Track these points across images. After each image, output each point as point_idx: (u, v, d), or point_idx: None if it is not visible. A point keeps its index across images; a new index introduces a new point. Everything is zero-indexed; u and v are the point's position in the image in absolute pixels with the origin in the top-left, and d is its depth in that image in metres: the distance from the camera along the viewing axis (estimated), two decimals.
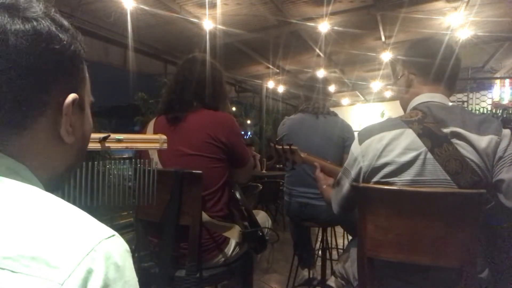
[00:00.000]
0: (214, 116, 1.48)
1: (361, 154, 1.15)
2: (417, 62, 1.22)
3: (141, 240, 1.53)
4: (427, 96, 1.18)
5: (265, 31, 4.11)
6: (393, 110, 8.04)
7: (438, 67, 1.18)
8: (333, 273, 1.49)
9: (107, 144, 1.11)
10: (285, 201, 2.48)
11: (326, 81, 2.54)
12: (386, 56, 4.82)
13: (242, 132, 7.99)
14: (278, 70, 5.89)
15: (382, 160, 1.09)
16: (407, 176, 1.06)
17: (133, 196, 1.19)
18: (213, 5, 3.32)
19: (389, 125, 1.13)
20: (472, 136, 1.02)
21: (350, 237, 2.52)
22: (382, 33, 4.25)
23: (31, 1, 0.48)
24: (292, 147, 1.50)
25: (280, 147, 1.53)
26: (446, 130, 1.05)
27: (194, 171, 1.34)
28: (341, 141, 2.28)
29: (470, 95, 7.22)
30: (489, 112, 5.79)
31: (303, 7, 3.54)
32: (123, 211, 3.10)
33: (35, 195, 0.44)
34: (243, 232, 1.47)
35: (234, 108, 7.02)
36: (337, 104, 9.54)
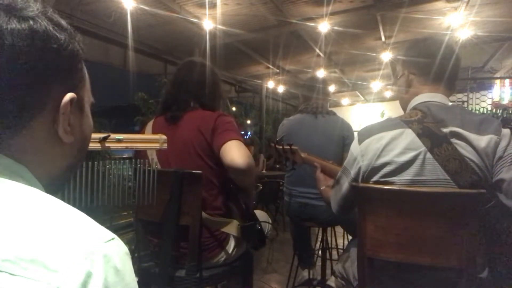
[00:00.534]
0: (207, 115, 1.48)
1: (360, 154, 1.15)
2: (417, 62, 1.23)
3: (141, 240, 1.53)
4: (427, 96, 1.18)
5: (265, 31, 4.11)
6: (393, 110, 8.04)
7: (438, 67, 1.18)
8: (333, 273, 1.49)
9: (107, 144, 1.11)
10: (285, 201, 2.48)
11: (325, 81, 2.55)
12: (386, 56, 4.82)
13: (242, 132, 8.00)
14: (278, 70, 5.89)
15: (382, 160, 1.09)
16: (407, 176, 1.06)
17: (133, 196, 1.19)
18: (213, 5, 3.32)
19: (388, 125, 1.13)
20: (472, 136, 1.02)
21: (350, 237, 2.52)
22: (382, 33, 4.25)
23: (28, 0, 0.48)
24: (292, 147, 1.50)
25: (281, 147, 1.53)
26: (445, 130, 1.05)
27: (194, 171, 1.35)
28: (341, 140, 2.29)
29: (470, 95, 7.21)
30: (489, 112, 5.79)
31: (303, 7, 3.54)
32: (123, 211, 3.09)
33: (34, 196, 0.43)
34: (242, 226, 1.47)
35: (234, 108, 7.02)
36: (337, 104, 9.54)
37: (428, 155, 1.04)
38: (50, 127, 0.49)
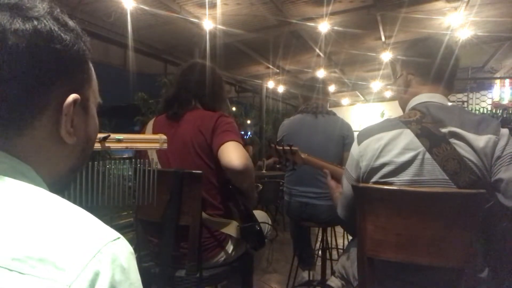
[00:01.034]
0: (208, 115, 1.48)
1: (359, 155, 1.15)
2: (416, 62, 1.23)
3: (141, 240, 1.53)
4: (426, 96, 1.18)
5: (265, 31, 4.11)
6: (393, 110, 8.04)
7: (437, 67, 1.18)
8: (333, 273, 1.49)
9: (107, 144, 1.11)
10: (285, 200, 2.48)
11: (325, 81, 2.55)
12: (386, 56, 4.82)
13: (242, 132, 7.99)
14: (278, 70, 5.89)
15: (381, 160, 1.09)
16: (406, 176, 1.06)
17: (133, 196, 1.19)
18: (213, 5, 3.32)
19: (387, 125, 1.14)
20: (470, 136, 1.02)
21: (350, 237, 2.52)
22: (382, 33, 4.25)
23: (35, 0, 0.48)
24: (292, 148, 1.50)
25: (281, 147, 1.53)
26: (444, 130, 1.05)
27: (194, 171, 1.35)
28: (341, 139, 2.29)
29: (470, 95, 7.22)
30: (489, 112, 5.79)
31: (303, 7, 3.54)
32: (123, 211, 3.10)
33: (41, 196, 0.44)
34: (241, 227, 1.47)
35: (234, 108, 7.02)
36: (337, 104, 9.54)
37: (427, 155, 1.04)
38: (53, 127, 0.49)
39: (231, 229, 1.47)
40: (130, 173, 1.19)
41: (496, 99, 6.73)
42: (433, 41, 1.25)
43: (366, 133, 1.16)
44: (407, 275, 1.10)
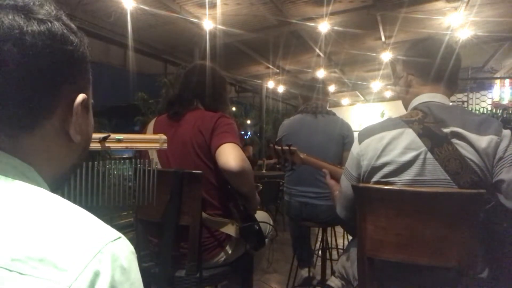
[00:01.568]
0: (208, 115, 1.49)
1: (360, 154, 1.15)
2: (417, 62, 1.22)
3: (141, 240, 1.53)
4: (428, 96, 1.18)
5: (265, 31, 4.11)
6: (393, 110, 8.04)
7: (437, 67, 1.18)
8: (333, 273, 1.49)
9: (107, 144, 1.11)
10: (285, 200, 2.48)
11: (324, 81, 2.56)
12: (386, 56, 4.82)
13: (242, 132, 7.99)
14: (278, 70, 5.89)
15: (382, 160, 1.09)
16: (407, 176, 1.06)
17: (133, 196, 1.19)
18: (213, 5, 3.32)
19: (389, 125, 1.13)
20: (472, 136, 1.02)
21: (350, 237, 2.52)
22: (382, 33, 4.25)
23: (42, 3, 0.48)
24: (291, 147, 1.50)
25: (280, 147, 1.53)
26: (446, 130, 1.05)
27: (194, 171, 1.35)
28: (340, 139, 2.29)
29: (470, 95, 7.22)
30: (489, 112, 5.79)
31: (303, 7, 3.54)
32: (123, 211, 3.10)
33: (41, 196, 0.44)
34: (240, 226, 1.47)
35: (234, 108, 7.02)
36: (337, 104, 9.54)
37: (429, 155, 1.04)
38: (60, 127, 0.50)
39: (231, 228, 1.47)
40: (130, 173, 1.19)
41: (496, 99, 6.73)
42: (433, 41, 1.25)
43: (367, 132, 1.16)
44: (407, 275, 1.10)
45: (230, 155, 1.35)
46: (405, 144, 1.07)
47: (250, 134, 8.45)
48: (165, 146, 1.27)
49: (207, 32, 3.72)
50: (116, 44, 4.03)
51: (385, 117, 3.40)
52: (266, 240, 1.68)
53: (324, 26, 3.74)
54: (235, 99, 7.21)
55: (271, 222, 1.76)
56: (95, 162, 1.06)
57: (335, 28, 3.84)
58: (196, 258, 1.35)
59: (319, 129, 2.31)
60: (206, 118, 1.47)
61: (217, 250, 1.47)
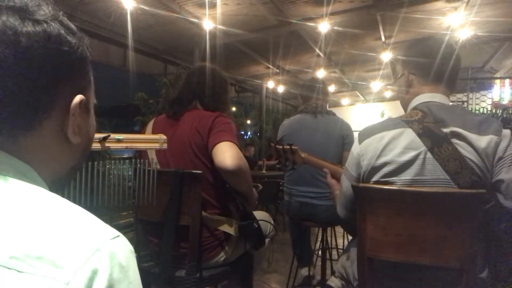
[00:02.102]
0: (206, 115, 1.49)
1: (360, 153, 1.15)
2: (417, 62, 1.22)
3: (141, 240, 1.53)
4: (428, 96, 1.17)
5: (265, 31, 4.12)
6: (393, 110, 8.04)
7: (438, 67, 1.17)
8: (333, 273, 1.49)
9: (107, 144, 1.11)
10: (285, 200, 2.48)
11: (324, 81, 2.56)
12: (386, 56, 4.82)
13: (242, 132, 7.99)
14: (278, 70, 5.90)
15: (382, 160, 1.09)
16: (407, 175, 1.06)
17: (133, 196, 1.19)
18: (213, 5, 3.32)
19: (389, 124, 1.13)
20: (472, 136, 1.02)
21: (350, 237, 2.52)
22: (382, 33, 4.25)
23: (39, 4, 0.48)
24: (292, 147, 1.50)
25: (281, 147, 1.53)
26: (446, 130, 1.05)
27: (194, 171, 1.35)
28: (340, 139, 2.30)
29: (470, 95, 7.22)
30: (489, 112, 5.79)
31: (303, 7, 3.54)
32: (123, 211, 3.10)
33: (40, 195, 0.44)
34: (239, 225, 1.47)
35: (234, 108, 7.02)
36: (337, 104, 9.54)
37: (429, 155, 1.04)
38: (59, 128, 0.50)
39: (230, 227, 1.47)
40: (130, 173, 1.19)
41: (496, 99, 6.73)
42: (433, 41, 1.25)
43: (368, 132, 1.16)
44: (407, 275, 1.10)
45: (226, 154, 1.34)
46: (405, 144, 1.07)
47: (250, 134, 8.45)
48: (165, 146, 1.27)
49: (207, 32, 3.72)
50: (116, 44, 4.03)
51: (385, 117, 3.40)
52: (267, 240, 1.68)
53: (324, 26, 3.74)
54: (235, 99, 7.21)
55: (272, 222, 1.77)
56: (95, 162, 1.06)
57: (335, 28, 3.84)
58: (196, 258, 1.35)
59: (319, 129, 2.31)
60: (203, 118, 1.47)
61: (217, 250, 1.47)
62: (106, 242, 0.40)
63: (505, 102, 6.48)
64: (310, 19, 3.77)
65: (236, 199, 1.51)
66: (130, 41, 3.50)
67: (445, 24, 3.94)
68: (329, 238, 2.49)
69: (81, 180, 1.03)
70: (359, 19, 3.83)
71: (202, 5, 3.37)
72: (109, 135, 1.11)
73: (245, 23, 3.86)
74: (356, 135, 1.26)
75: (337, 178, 1.44)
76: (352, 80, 6.89)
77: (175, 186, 1.34)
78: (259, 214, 1.65)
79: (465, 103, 7.03)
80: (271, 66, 5.59)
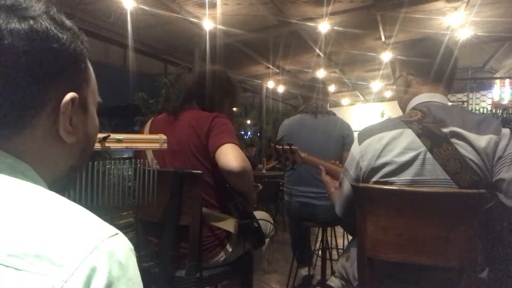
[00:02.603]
0: (203, 116, 1.49)
1: (360, 154, 1.15)
2: (416, 62, 1.22)
3: (141, 240, 1.53)
4: (427, 96, 1.18)
5: (265, 31, 4.12)
6: (393, 110, 8.04)
7: (437, 67, 1.18)
8: (333, 273, 1.49)
9: (107, 144, 1.11)
10: (285, 200, 2.48)
11: (324, 81, 2.56)
12: (386, 56, 4.83)
13: (242, 132, 7.99)
14: (278, 70, 5.90)
15: (382, 160, 1.09)
16: (407, 176, 1.06)
17: (133, 196, 1.19)
18: (213, 5, 3.32)
19: (388, 125, 1.13)
20: (472, 136, 1.02)
21: (350, 237, 2.52)
22: (382, 33, 4.25)
23: (31, 0, 0.48)
24: (292, 147, 1.50)
25: (280, 147, 1.53)
26: (445, 130, 1.05)
27: (194, 171, 1.35)
28: (341, 139, 2.30)
29: (470, 95, 7.22)
30: (489, 112, 5.79)
31: (303, 7, 3.54)
32: (123, 211, 3.10)
33: (38, 193, 0.44)
34: (239, 223, 1.47)
35: (234, 108, 7.01)
36: (337, 104, 9.54)
37: (428, 155, 1.04)
38: (52, 127, 0.49)
39: (230, 225, 1.46)
40: (130, 173, 1.19)
41: (496, 99, 6.73)
42: (432, 42, 1.25)
43: (367, 133, 1.16)
44: (407, 275, 1.10)
45: (230, 156, 1.35)
46: (404, 144, 1.07)
47: (250, 134, 8.45)
48: (165, 146, 1.27)
49: (207, 32, 3.72)
50: (116, 44, 4.03)
51: (385, 117, 3.40)
52: (267, 240, 1.68)
53: (324, 26, 3.74)
54: None
55: (272, 222, 1.76)
56: (95, 162, 1.06)
57: (335, 28, 3.84)
58: (196, 258, 1.35)
59: (319, 129, 2.31)
60: (200, 119, 1.46)
61: (217, 249, 1.47)
62: (105, 240, 0.40)
63: (505, 102, 6.49)
64: (310, 19, 3.77)
65: (235, 199, 1.51)
66: (130, 41, 3.50)
67: (445, 24, 3.94)
68: (329, 238, 2.49)
69: (81, 180, 1.03)
70: (359, 19, 3.83)
71: (202, 5, 3.37)
72: (109, 135, 1.11)
73: (245, 23, 3.86)
74: (356, 135, 1.26)
75: (337, 178, 1.44)
76: (352, 80, 6.89)
77: (175, 186, 1.34)
78: (259, 214, 1.65)
79: (465, 103, 7.03)
80: (271, 66, 5.59)
